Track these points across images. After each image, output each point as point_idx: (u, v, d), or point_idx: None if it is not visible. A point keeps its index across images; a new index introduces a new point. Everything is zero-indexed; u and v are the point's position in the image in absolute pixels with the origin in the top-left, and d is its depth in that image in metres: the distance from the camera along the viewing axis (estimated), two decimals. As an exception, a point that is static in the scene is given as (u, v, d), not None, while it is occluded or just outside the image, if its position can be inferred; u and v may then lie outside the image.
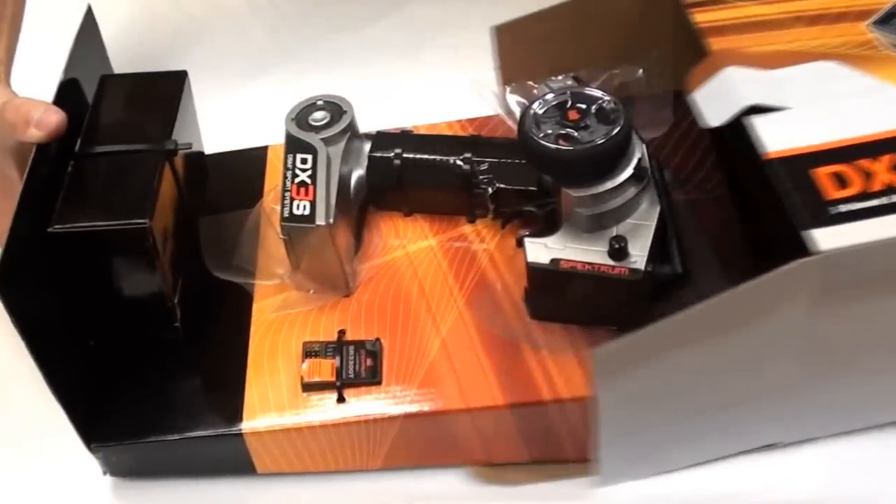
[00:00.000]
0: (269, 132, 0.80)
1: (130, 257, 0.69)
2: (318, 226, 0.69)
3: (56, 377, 0.64)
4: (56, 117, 0.70)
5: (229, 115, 0.84)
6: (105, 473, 0.70)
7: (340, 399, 0.67)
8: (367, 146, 0.75)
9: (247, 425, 0.67)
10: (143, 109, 0.76)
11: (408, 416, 0.66)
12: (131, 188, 0.69)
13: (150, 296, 0.70)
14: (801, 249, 0.57)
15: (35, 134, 0.70)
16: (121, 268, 0.70)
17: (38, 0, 0.84)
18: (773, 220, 0.65)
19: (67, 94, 0.74)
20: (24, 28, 0.82)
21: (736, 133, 0.62)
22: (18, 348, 0.63)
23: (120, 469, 0.70)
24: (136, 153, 0.72)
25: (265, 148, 0.83)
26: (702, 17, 0.70)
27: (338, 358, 0.68)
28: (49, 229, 0.67)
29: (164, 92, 0.77)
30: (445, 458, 0.69)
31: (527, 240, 0.67)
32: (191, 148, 0.75)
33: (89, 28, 0.80)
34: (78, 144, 0.72)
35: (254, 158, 0.83)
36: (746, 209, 0.72)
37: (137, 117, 0.75)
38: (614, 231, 0.66)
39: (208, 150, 0.84)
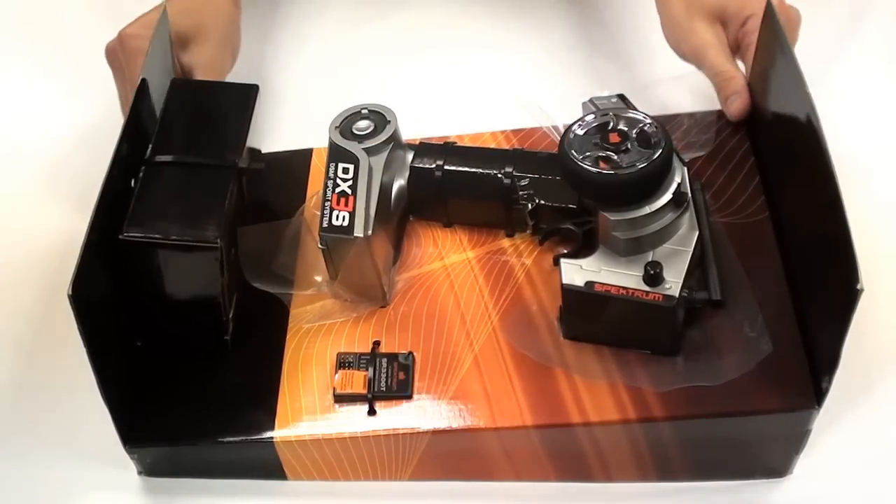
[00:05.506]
0: (313, 135, 0.79)
1: (195, 271, 0.70)
2: (356, 237, 0.69)
3: (106, 379, 0.65)
4: None
5: (273, 117, 0.83)
6: (140, 473, 0.71)
7: (371, 412, 0.68)
8: (410, 156, 0.75)
9: (279, 433, 0.68)
10: (214, 120, 0.76)
11: (436, 432, 0.67)
12: (204, 203, 0.70)
13: (207, 309, 0.71)
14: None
15: None
16: (184, 279, 0.70)
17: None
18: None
19: (139, 94, 0.73)
20: (82, 21, 0.80)
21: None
22: (53, 347, 0.64)
23: (154, 469, 0.71)
24: (207, 166, 0.72)
25: (310, 150, 0.83)
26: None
27: (370, 370, 0.69)
28: (120, 235, 0.67)
29: (235, 104, 0.77)
30: (473, 473, 0.69)
31: (563, 261, 0.67)
32: (262, 166, 0.75)
33: (163, 27, 0.79)
34: (149, 150, 0.72)
35: (298, 160, 0.83)
36: (791, 238, 0.71)
37: (209, 128, 0.75)
38: (650, 256, 0.66)
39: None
